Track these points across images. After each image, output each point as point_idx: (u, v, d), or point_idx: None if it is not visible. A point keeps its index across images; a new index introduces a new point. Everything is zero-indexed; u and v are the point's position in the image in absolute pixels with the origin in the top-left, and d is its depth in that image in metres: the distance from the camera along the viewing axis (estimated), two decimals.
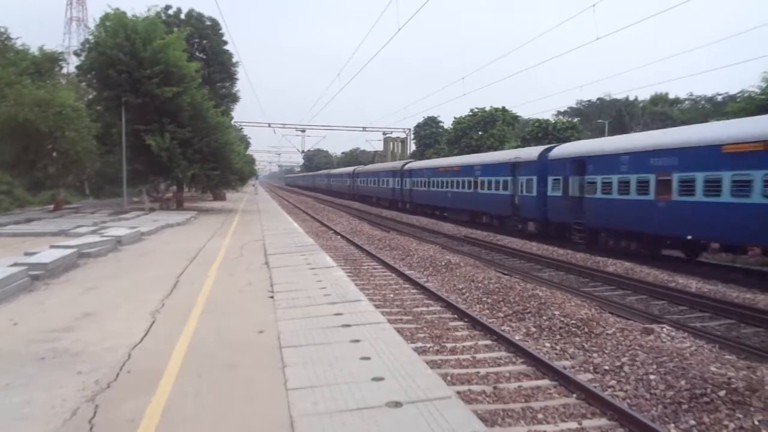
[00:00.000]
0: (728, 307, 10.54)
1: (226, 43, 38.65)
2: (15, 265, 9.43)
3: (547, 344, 8.26)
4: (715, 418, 5.55)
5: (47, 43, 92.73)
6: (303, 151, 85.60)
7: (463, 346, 8.12)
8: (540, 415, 5.78)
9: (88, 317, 7.22)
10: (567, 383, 6.55)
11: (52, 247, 11.97)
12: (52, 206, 27.24)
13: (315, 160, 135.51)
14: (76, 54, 30.14)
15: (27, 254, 11.03)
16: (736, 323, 9.90)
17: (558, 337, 8.57)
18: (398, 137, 78.44)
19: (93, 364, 5.34)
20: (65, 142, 23.02)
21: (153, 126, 25.11)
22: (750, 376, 6.18)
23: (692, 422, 5.58)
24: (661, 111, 59.43)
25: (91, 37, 26.35)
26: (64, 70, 34.51)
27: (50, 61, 29.78)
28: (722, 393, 5.89)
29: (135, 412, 4.24)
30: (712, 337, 8.70)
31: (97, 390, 4.70)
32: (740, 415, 5.53)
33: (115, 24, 24.79)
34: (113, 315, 7.35)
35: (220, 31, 38.25)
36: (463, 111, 70.83)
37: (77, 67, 28.92)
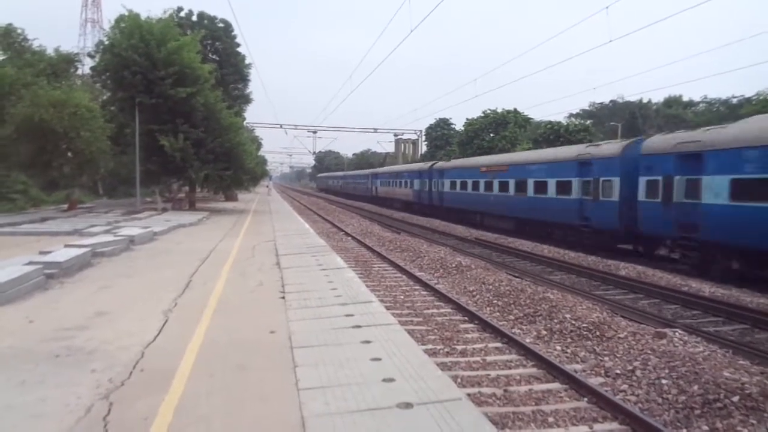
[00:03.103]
0: (742, 312, 10.43)
1: (238, 45, 39.04)
2: (30, 263, 9.56)
3: (558, 347, 8.22)
4: (728, 424, 5.50)
5: (63, 44, 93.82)
6: (314, 153, 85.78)
7: (474, 349, 8.11)
8: (551, 419, 5.76)
9: (101, 316, 7.30)
10: (578, 387, 6.52)
11: (66, 246, 12.11)
12: (66, 206, 27.56)
13: (326, 161, 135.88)
14: (90, 56, 30.51)
15: (42, 253, 11.17)
16: (750, 328, 9.79)
17: (569, 340, 8.53)
18: (409, 139, 78.53)
19: (107, 363, 5.40)
20: (80, 142, 23.28)
21: (166, 126, 25.34)
22: (764, 382, 6.12)
23: (705, 428, 5.54)
24: (675, 114, 58.93)
25: (105, 39, 26.64)
26: (79, 71, 34.91)
27: (66, 62, 30.16)
28: (736, 398, 5.83)
29: (148, 410, 4.29)
30: (725, 342, 8.61)
31: (111, 388, 4.76)
32: (754, 421, 5.48)
33: (130, 25, 25.03)
34: (126, 314, 7.43)
35: (233, 33, 38.57)
36: (475, 113, 70.86)
37: (92, 68, 29.26)
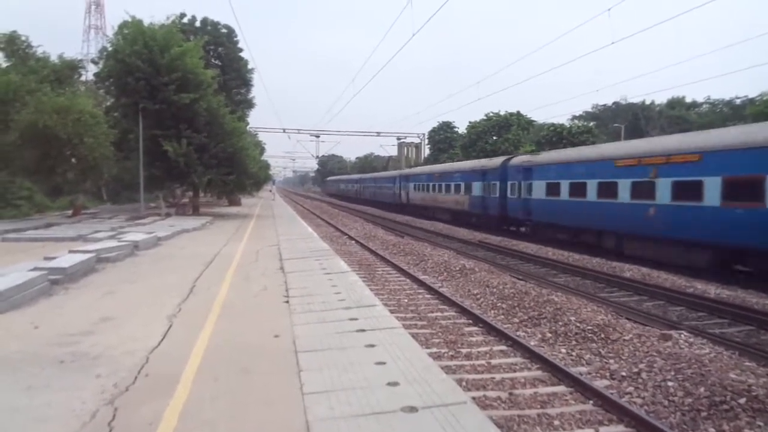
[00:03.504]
0: (748, 314, 10.37)
1: (241, 50, 39.23)
2: (35, 269, 9.59)
3: (563, 350, 8.20)
4: (735, 426, 5.47)
5: (66, 50, 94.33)
6: (317, 157, 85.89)
7: (478, 352, 8.08)
8: (556, 422, 5.74)
9: (106, 321, 7.31)
10: (583, 389, 6.49)
11: (71, 251, 12.15)
12: (70, 211, 27.66)
13: (329, 165, 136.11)
14: (94, 62, 30.63)
15: (46, 259, 11.20)
16: (756, 330, 9.73)
17: (574, 342, 8.50)
18: (412, 142, 78.59)
19: (111, 368, 5.41)
20: (84, 148, 23.36)
21: (170, 132, 25.42)
22: None
23: (712, 430, 5.51)
24: (678, 115, 58.82)
25: (109, 45, 26.76)
26: (83, 78, 35.03)
27: (70, 68, 30.27)
28: (742, 400, 5.80)
29: (153, 415, 4.29)
30: (731, 344, 8.56)
31: (116, 393, 4.76)
32: (761, 423, 5.45)
33: (134, 32, 25.15)
34: (131, 319, 7.44)
35: (236, 39, 38.74)
36: (478, 115, 70.86)
37: (95, 75, 29.36)
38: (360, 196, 65.55)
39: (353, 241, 22.71)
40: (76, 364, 5.55)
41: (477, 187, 29.98)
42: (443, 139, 73.75)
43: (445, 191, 35.33)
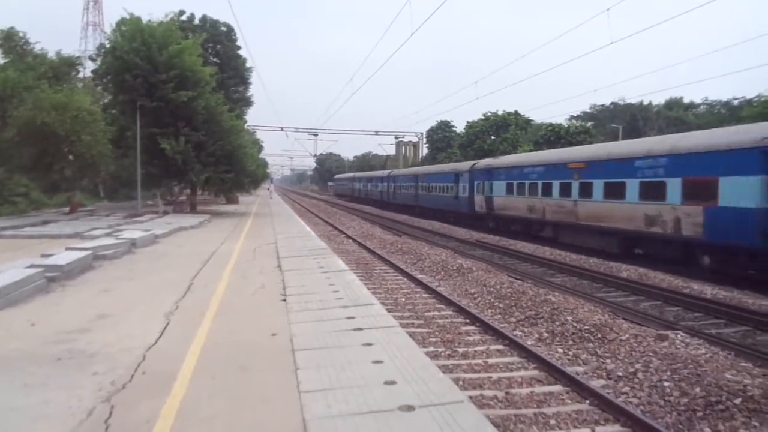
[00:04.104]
0: (744, 314, 10.40)
1: (239, 48, 39.18)
2: (32, 266, 9.57)
3: (560, 350, 8.21)
4: (730, 426, 5.48)
5: (64, 47, 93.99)
6: (315, 155, 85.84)
7: (475, 351, 8.09)
8: (552, 421, 5.74)
9: (103, 319, 7.31)
10: (580, 389, 6.50)
11: (67, 249, 12.13)
12: (67, 209, 27.60)
13: (327, 163, 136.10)
14: (92, 59, 30.57)
15: (43, 256, 11.18)
16: (752, 330, 9.75)
17: (571, 342, 8.51)
18: (410, 141, 78.64)
19: (108, 365, 5.41)
20: (81, 145, 23.33)
21: (168, 129, 25.41)
22: (766, 384, 6.11)
23: (707, 430, 5.52)
24: (676, 116, 58.89)
25: (107, 42, 26.72)
26: (81, 75, 34.92)
27: (67, 65, 30.19)
28: (738, 401, 5.82)
29: (150, 412, 4.29)
30: (727, 344, 8.58)
31: (112, 390, 4.76)
32: (756, 423, 5.47)
33: (132, 29, 25.12)
34: (128, 317, 7.44)
35: (234, 37, 38.70)
36: (476, 115, 70.95)
37: (93, 71, 29.31)
38: (390, 200, 49.24)
39: (351, 240, 22.71)
40: (73, 362, 5.54)
41: (736, 188, 13.32)
42: (441, 138, 73.86)
43: (605, 196, 18.37)
